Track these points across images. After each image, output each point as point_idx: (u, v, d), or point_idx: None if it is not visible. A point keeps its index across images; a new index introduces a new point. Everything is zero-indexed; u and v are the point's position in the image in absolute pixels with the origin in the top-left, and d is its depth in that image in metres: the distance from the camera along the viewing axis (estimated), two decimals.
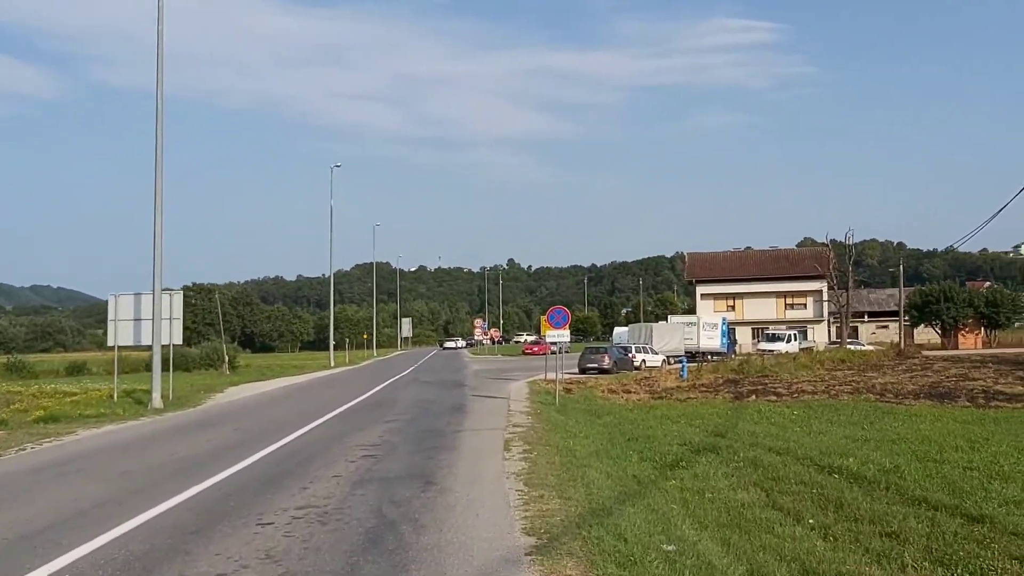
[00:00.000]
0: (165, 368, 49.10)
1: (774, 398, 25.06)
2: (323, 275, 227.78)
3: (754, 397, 25.30)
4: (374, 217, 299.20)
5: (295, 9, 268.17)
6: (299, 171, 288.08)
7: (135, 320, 23.91)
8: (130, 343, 24.52)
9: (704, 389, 29.08)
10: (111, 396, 25.29)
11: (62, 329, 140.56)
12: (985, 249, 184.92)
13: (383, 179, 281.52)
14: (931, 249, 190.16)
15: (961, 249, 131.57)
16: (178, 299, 24.37)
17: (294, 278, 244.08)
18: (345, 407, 22.19)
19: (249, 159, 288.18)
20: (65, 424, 18.46)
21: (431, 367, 52.18)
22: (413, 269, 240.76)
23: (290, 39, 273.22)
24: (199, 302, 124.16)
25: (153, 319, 22.55)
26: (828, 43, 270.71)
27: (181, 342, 25.36)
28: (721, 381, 32.64)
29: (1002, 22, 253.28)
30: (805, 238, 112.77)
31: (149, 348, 27.14)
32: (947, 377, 32.00)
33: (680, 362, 38.26)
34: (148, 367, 52.83)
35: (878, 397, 24.75)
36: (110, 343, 24.83)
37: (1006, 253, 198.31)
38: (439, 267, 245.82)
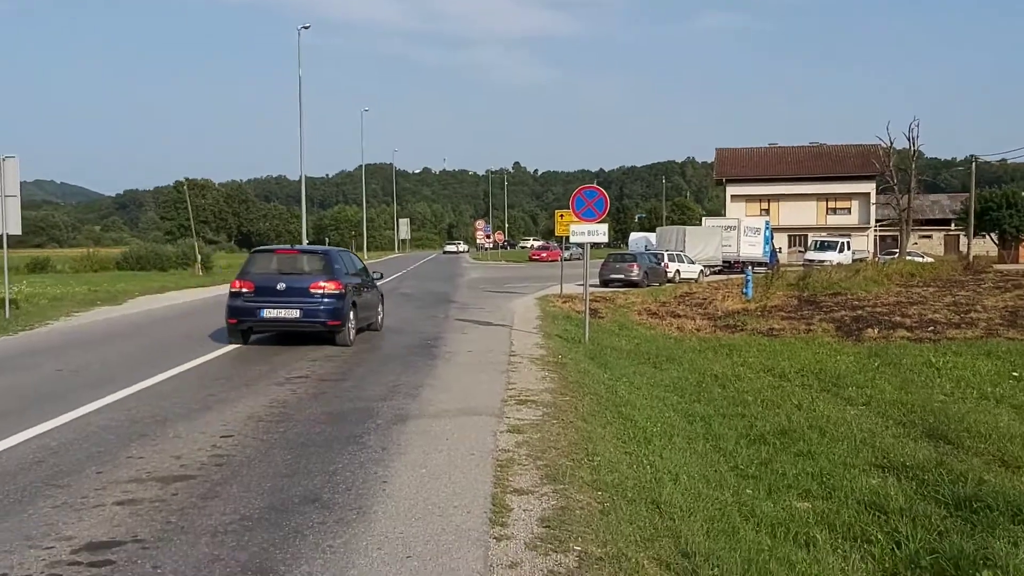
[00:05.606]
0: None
1: (907, 333, 16.91)
2: (327, 175, 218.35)
3: (876, 332, 17.13)
4: (376, 114, 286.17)
5: None
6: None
7: None
8: None
9: (783, 315, 20.90)
10: None
11: (56, 224, 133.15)
12: (1004, 160, 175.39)
13: (385, 76, 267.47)
14: (950, 158, 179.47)
15: (981, 158, 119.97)
16: (12, 166, 15.96)
17: (297, 177, 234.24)
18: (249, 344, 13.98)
19: (248, 54, 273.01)
20: None
21: (421, 273, 44.10)
22: (417, 171, 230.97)
23: None
24: (193, 199, 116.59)
25: None
26: None
27: (20, 231, 16.99)
28: (796, 302, 24.49)
29: None
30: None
31: None
32: None
33: (743, 274, 29.86)
34: (120, 266, 45.33)
35: None
36: None
37: None
38: (444, 169, 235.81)
